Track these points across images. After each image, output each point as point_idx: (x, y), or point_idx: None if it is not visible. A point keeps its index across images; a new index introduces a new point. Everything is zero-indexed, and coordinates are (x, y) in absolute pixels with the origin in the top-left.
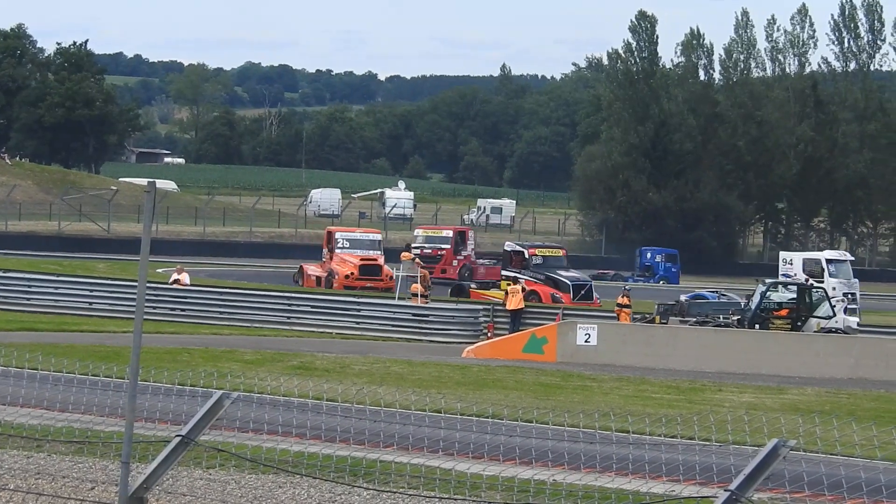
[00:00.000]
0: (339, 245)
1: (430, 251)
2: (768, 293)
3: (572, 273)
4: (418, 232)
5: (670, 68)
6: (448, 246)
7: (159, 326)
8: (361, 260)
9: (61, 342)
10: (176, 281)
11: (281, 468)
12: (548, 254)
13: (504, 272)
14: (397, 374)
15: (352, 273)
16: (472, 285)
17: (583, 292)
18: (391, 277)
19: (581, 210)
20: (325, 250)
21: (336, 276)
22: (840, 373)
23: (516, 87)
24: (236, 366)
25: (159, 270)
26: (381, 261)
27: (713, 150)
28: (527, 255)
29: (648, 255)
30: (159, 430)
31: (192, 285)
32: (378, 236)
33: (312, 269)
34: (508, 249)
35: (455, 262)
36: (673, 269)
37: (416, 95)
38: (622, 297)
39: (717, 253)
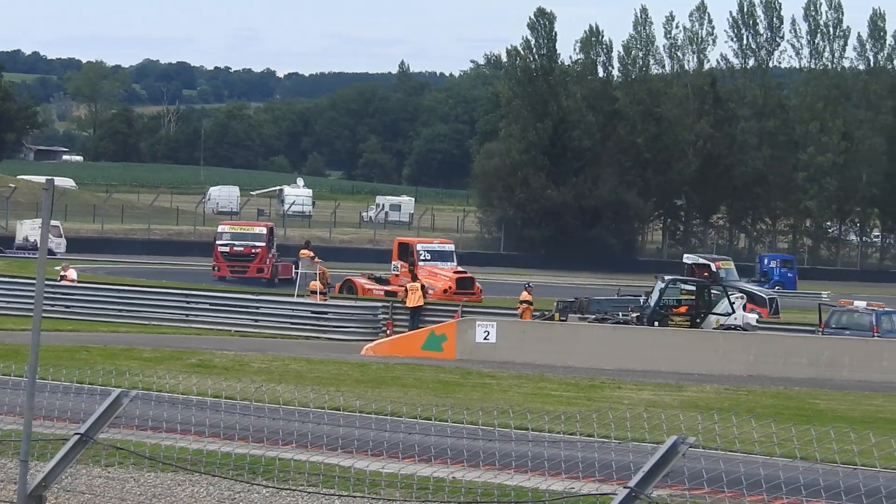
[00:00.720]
0: (423, 258)
1: (241, 249)
2: (667, 290)
3: (756, 286)
4: (223, 228)
5: (569, 65)
6: (262, 243)
7: (58, 324)
8: (455, 273)
9: None
10: (62, 278)
11: (179, 466)
12: (725, 266)
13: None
14: (296, 371)
15: (449, 287)
16: None
17: (774, 306)
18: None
19: (480, 207)
20: (396, 263)
21: (432, 291)
22: (739, 370)
23: (415, 85)
24: (135, 364)
25: (56, 268)
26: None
27: (612, 147)
28: (714, 268)
29: (766, 261)
30: (58, 429)
31: (90, 282)
32: (452, 246)
33: (372, 284)
34: (690, 262)
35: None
36: (789, 275)
37: (315, 93)
38: (525, 293)
39: (616, 250)
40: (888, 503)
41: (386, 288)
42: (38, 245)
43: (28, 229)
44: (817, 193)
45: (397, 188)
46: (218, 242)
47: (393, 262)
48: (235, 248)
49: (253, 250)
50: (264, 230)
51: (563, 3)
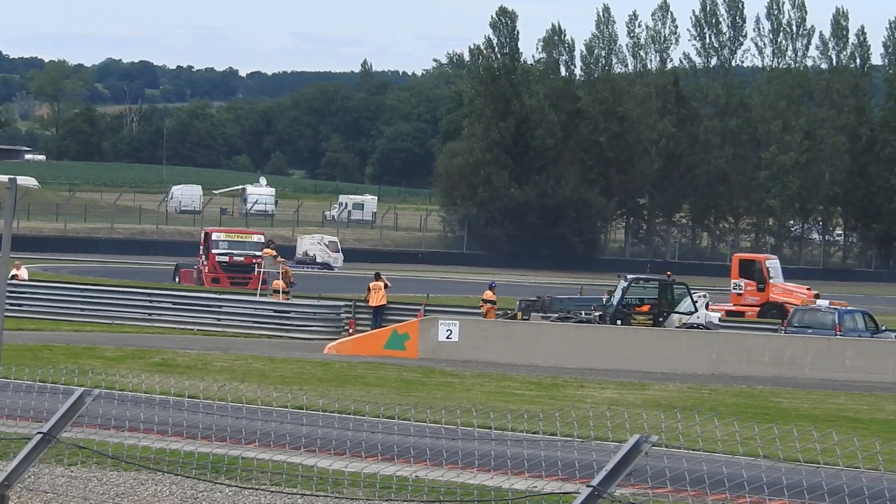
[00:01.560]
0: (772, 275)
1: (241, 259)
2: (630, 289)
3: None
4: (218, 236)
5: (532, 64)
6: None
7: (20, 323)
8: (808, 290)
9: None
10: (14, 276)
11: (143, 465)
12: None
13: None
14: (259, 370)
15: None
16: None
17: None
18: None
19: (443, 206)
20: (738, 281)
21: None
22: (702, 368)
23: (377, 83)
24: (97, 363)
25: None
26: None
27: (574, 145)
28: None
29: None
30: (20, 428)
31: (52, 282)
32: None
33: None
34: None
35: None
36: None
37: (278, 92)
38: (489, 292)
39: (578, 249)
40: (851, 502)
41: (727, 307)
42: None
43: (308, 244)
44: (780, 192)
45: (360, 187)
46: (214, 251)
47: (733, 280)
48: (235, 258)
49: (254, 260)
50: (262, 237)
51: (525, 2)
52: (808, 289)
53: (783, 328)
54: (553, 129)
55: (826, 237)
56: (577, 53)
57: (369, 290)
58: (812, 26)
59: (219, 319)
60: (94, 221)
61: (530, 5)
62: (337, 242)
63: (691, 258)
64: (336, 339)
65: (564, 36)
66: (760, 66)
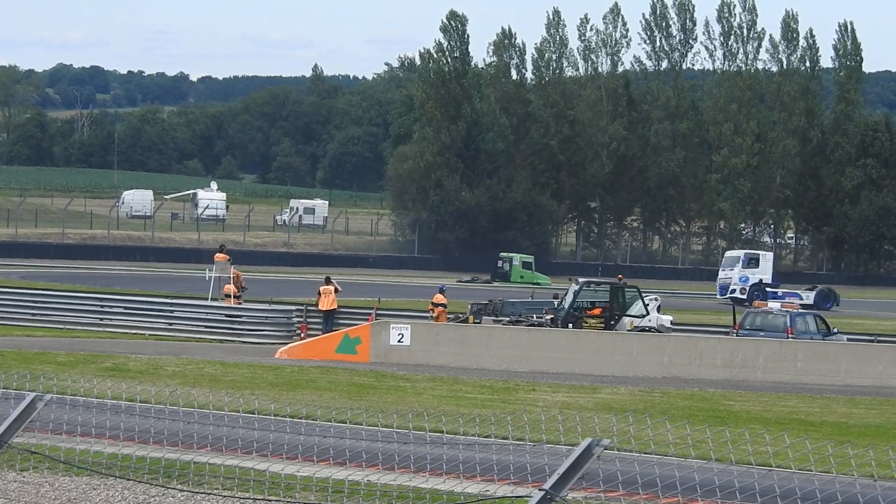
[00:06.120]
0: None
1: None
2: (581, 292)
3: None
4: None
5: (482, 68)
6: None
7: None
8: None
9: None
10: None
11: (95, 470)
12: None
13: None
14: (210, 375)
15: None
16: None
17: None
18: None
19: (394, 210)
20: None
21: None
22: (653, 371)
23: (328, 88)
24: (49, 368)
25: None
26: None
27: (525, 149)
28: None
29: None
30: None
31: (2, 286)
32: None
33: None
34: None
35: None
36: None
37: (228, 96)
38: (439, 295)
39: (530, 252)
40: None
41: None
42: None
43: None
44: (731, 195)
45: (311, 191)
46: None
47: None
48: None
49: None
50: None
51: (475, 5)
52: None
53: (735, 331)
54: (504, 133)
55: (777, 240)
56: (527, 57)
57: (320, 294)
58: (762, 29)
59: (170, 324)
60: (45, 226)
61: (481, 9)
62: None
63: (642, 261)
64: (287, 343)
65: (515, 39)
66: (711, 69)
